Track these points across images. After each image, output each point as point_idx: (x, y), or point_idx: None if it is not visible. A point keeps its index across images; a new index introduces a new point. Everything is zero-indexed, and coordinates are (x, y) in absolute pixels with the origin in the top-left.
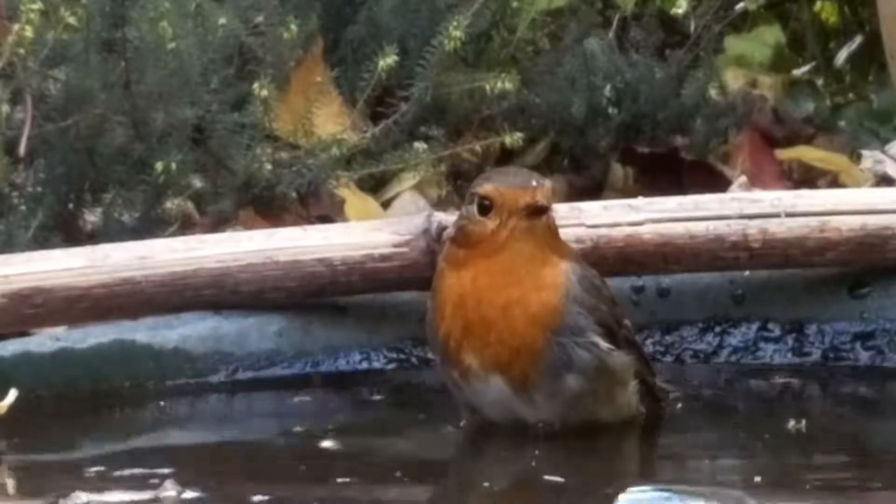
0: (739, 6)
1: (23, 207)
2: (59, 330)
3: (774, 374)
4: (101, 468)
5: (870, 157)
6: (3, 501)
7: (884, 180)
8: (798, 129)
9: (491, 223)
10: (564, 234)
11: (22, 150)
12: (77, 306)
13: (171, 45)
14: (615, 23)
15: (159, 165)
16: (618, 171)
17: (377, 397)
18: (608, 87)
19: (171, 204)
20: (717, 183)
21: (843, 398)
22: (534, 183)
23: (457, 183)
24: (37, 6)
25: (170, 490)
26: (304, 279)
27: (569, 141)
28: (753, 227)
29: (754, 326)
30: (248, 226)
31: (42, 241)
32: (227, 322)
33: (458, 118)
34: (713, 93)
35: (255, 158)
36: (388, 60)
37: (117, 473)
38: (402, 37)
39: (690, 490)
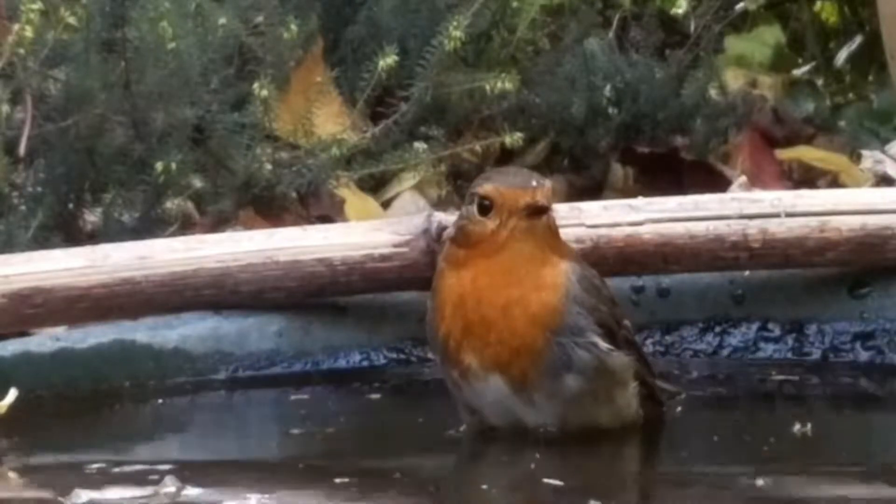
0: (739, 6)
1: (23, 207)
2: (59, 330)
3: (774, 374)
4: (101, 467)
5: (870, 157)
6: (3, 501)
7: (884, 180)
8: (798, 129)
9: (491, 223)
10: (564, 234)
11: (22, 150)
12: (77, 306)
13: (171, 45)
14: (615, 23)
15: (159, 165)
16: (618, 171)
17: (377, 397)
18: (608, 87)
19: (171, 204)
20: (717, 183)
21: (843, 398)
22: (534, 183)
23: (457, 183)
24: (37, 6)
25: (170, 486)
26: (304, 279)
27: (569, 141)
28: (753, 227)
29: (754, 326)
30: (248, 226)
31: (42, 241)
32: (227, 322)
33: (458, 118)
34: (713, 93)
35: (255, 158)
36: (388, 60)
37: (117, 472)
38: (402, 37)
39: None
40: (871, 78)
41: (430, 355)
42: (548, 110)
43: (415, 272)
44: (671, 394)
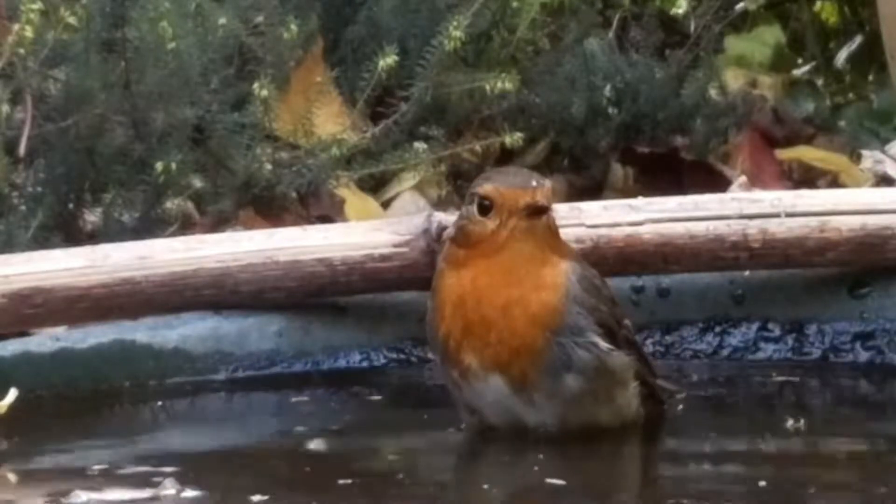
0: (739, 6)
1: (23, 207)
2: (59, 330)
3: (774, 374)
4: (101, 467)
5: (870, 157)
6: (2, 502)
7: (884, 180)
8: (798, 129)
9: (491, 223)
10: (564, 234)
11: (22, 150)
12: (77, 306)
13: (171, 45)
14: (615, 23)
15: (159, 165)
16: (618, 171)
17: (377, 397)
18: (608, 87)
19: (171, 204)
20: (717, 183)
21: (843, 398)
22: (534, 183)
23: (457, 183)
24: (37, 6)
25: (169, 489)
26: (304, 279)
27: (569, 141)
28: (753, 227)
29: (754, 326)
30: (248, 226)
31: (42, 241)
32: (227, 322)
33: (458, 118)
34: (713, 93)
35: (255, 158)
36: (388, 60)
37: (117, 472)
38: (402, 37)
39: None
40: (871, 78)
41: (430, 355)
42: (548, 110)
43: (415, 272)
44: (671, 393)
